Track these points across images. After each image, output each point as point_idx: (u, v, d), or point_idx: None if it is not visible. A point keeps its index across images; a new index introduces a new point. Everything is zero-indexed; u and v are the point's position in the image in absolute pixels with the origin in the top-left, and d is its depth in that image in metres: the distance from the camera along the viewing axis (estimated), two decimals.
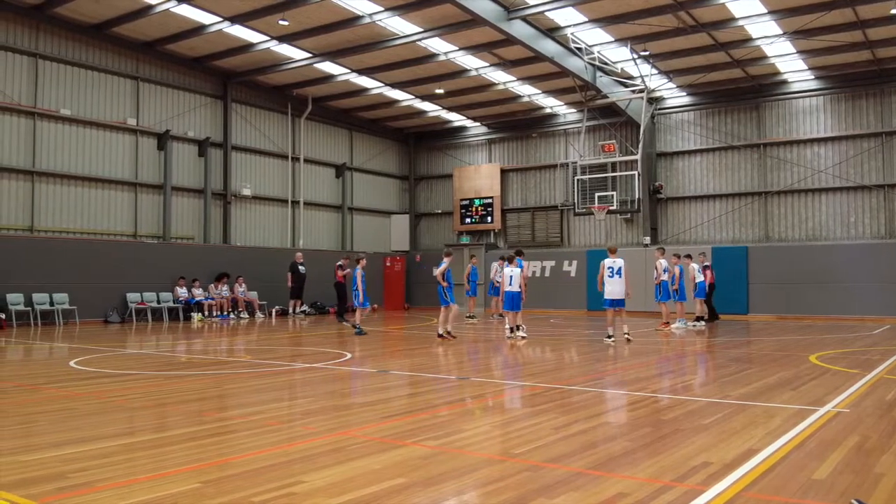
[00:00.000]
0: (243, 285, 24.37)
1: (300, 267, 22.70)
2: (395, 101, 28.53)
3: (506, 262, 16.00)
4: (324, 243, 29.03)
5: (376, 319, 23.53)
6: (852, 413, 7.03)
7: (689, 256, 19.88)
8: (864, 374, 9.83)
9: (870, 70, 23.38)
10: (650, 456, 5.36)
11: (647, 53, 22.52)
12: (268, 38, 21.89)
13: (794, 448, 5.61)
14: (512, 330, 15.47)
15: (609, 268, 14.64)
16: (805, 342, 14.99)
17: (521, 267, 16.18)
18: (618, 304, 14.71)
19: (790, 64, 23.55)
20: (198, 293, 23.04)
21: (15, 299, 19.28)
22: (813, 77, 24.52)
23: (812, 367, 10.65)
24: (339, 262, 22.19)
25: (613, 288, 14.60)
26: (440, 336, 15.29)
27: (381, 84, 26.27)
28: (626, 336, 14.87)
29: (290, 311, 24.15)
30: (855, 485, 4.64)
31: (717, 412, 7.08)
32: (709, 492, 4.42)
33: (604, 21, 20.14)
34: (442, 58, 23.13)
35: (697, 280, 19.26)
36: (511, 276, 15.24)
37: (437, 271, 15.85)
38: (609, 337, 14.65)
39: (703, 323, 19.46)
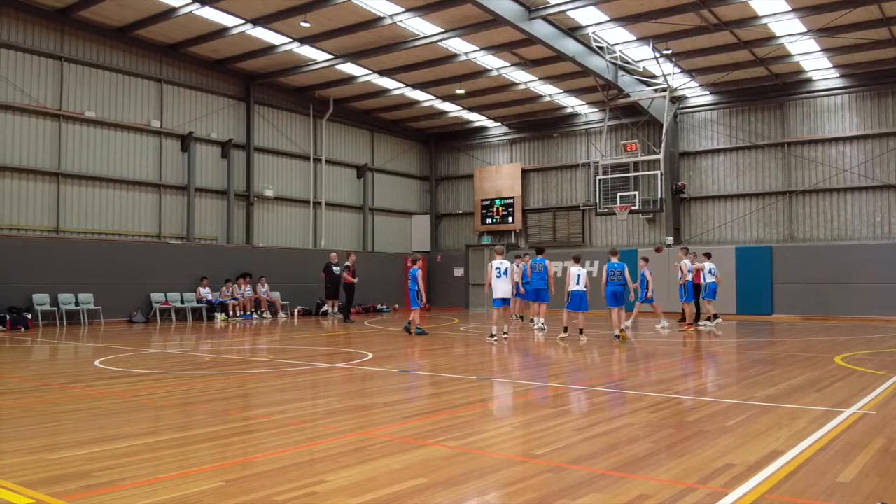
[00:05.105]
0: (266, 285, 24.51)
1: (335, 268, 22.67)
2: (416, 102, 28.58)
3: (572, 262, 15.81)
4: (345, 244, 29.10)
5: (397, 320, 23.56)
6: (878, 415, 6.94)
7: (707, 255, 19.59)
8: (891, 375, 9.69)
9: None
10: (673, 457, 5.33)
11: (669, 52, 22.39)
12: (290, 39, 22.02)
13: (819, 450, 5.54)
14: (566, 329, 15.39)
15: (496, 268, 15.26)
16: (830, 343, 14.81)
17: (544, 262, 17.07)
18: (506, 302, 15.47)
19: (814, 62, 23.30)
20: (226, 293, 23.22)
21: (41, 299, 19.53)
22: (838, 75, 24.24)
23: (837, 369, 10.53)
24: (346, 264, 22.09)
25: (502, 287, 15.19)
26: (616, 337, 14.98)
27: (402, 85, 26.33)
28: (505, 336, 15.32)
29: (330, 310, 23.99)
30: (881, 487, 4.58)
31: (741, 413, 7.01)
32: (732, 494, 4.38)
33: (625, 20, 20.04)
34: (463, 58, 23.13)
35: (707, 281, 18.86)
36: (579, 276, 15.12)
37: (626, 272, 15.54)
38: (492, 336, 14.95)
39: (710, 323, 19.11)
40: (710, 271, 18.83)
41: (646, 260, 18.60)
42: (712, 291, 18.91)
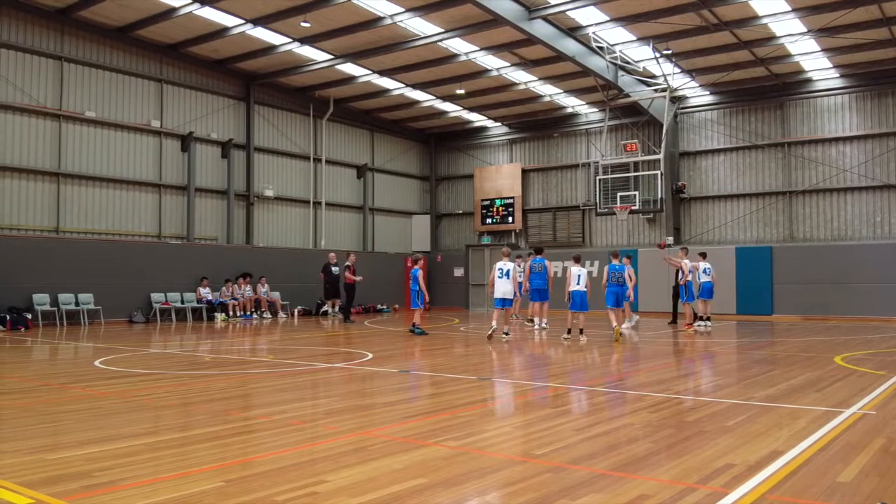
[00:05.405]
0: (266, 285, 24.51)
1: (333, 268, 22.63)
2: (416, 102, 28.57)
3: (573, 262, 15.96)
4: (345, 244, 29.10)
5: (397, 320, 23.57)
6: (879, 415, 6.95)
7: (703, 255, 19.46)
8: (891, 375, 9.70)
9: None
10: (673, 457, 5.33)
11: (669, 52, 22.38)
12: (290, 39, 22.01)
13: (819, 450, 5.55)
14: (569, 330, 15.63)
15: (499, 269, 15.72)
16: (830, 343, 14.82)
17: (543, 262, 17.60)
18: (507, 303, 15.84)
19: (815, 62, 23.29)
20: (226, 293, 23.22)
21: (41, 299, 19.53)
22: (838, 75, 24.23)
23: (837, 369, 10.53)
24: (347, 263, 21.99)
25: (503, 288, 15.62)
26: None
27: (402, 85, 26.32)
28: (507, 335, 15.51)
29: (329, 310, 23.93)
30: (881, 487, 4.58)
31: (741, 414, 7.02)
32: (732, 494, 4.38)
33: (626, 20, 20.03)
34: (463, 58, 23.12)
35: (702, 281, 18.75)
36: (579, 276, 15.21)
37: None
38: (491, 333, 15.40)
39: (708, 323, 19.05)
40: (704, 271, 18.76)
41: (629, 258, 18.81)
42: (708, 291, 18.84)
